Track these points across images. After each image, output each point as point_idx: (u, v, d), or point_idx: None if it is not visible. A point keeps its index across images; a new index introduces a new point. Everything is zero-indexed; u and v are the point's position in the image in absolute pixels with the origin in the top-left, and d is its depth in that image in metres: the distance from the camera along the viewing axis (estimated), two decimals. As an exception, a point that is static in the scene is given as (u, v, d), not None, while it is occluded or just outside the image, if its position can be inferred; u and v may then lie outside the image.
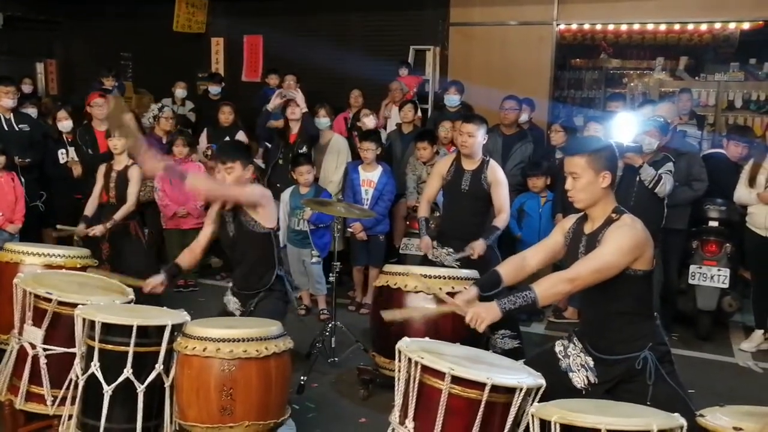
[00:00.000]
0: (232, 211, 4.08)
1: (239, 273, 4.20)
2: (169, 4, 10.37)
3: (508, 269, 3.33)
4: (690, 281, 5.93)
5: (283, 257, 6.43)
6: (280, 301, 4.16)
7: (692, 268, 5.92)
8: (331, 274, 5.18)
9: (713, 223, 6.01)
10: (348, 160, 6.92)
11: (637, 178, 5.31)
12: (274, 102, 6.93)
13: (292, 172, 6.30)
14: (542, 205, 6.36)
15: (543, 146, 7.08)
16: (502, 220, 4.88)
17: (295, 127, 6.79)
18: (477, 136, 4.92)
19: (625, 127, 5.51)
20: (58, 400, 3.66)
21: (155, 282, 3.97)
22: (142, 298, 4.00)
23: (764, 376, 5.30)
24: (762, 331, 5.78)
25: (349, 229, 6.33)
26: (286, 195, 6.42)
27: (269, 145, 8.13)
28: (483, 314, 2.99)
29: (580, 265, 3.03)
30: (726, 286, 5.84)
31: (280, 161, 6.88)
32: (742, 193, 5.76)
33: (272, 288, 4.13)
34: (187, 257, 4.21)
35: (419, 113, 7.75)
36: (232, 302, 4.21)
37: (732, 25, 9.27)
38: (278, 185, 6.59)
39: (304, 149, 6.67)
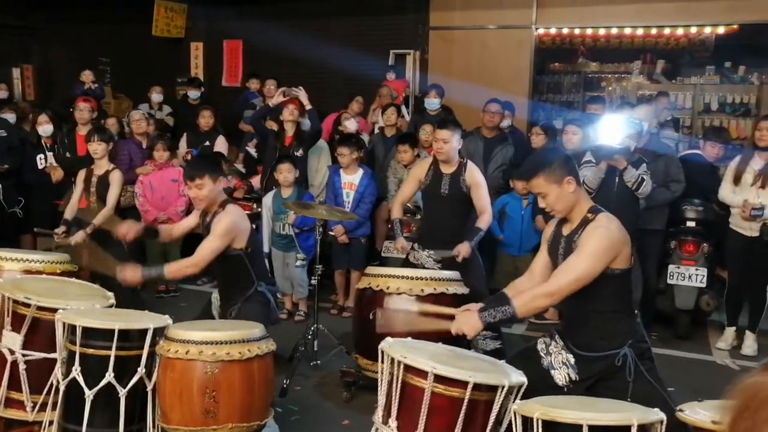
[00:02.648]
0: (205, 229, 4.13)
1: (219, 285, 4.32)
2: (147, 9, 10.33)
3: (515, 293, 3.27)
4: (668, 281, 5.99)
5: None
6: (260, 305, 4.17)
7: (670, 267, 5.98)
8: (313, 277, 5.18)
9: (691, 224, 6.05)
10: (328, 163, 6.91)
11: (616, 180, 5.33)
12: (278, 99, 6.91)
13: (274, 172, 6.28)
14: (524, 208, 6.38)
15: (524, 149, 7.12)
16: (485, 220, 4.91)
17: (290, 130, 6.70)
18: (452, 142, 4.93)
19: (612, 129, 5.51)
20: (38, 406, 3.61)
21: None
22: (124, 302, 3.98)
23: (742, 374, 5.32)
24: (734, 328, 5.85)
25: (331, 233, 6.31)
26: (268, 199, 6.40)
27: (249, 151, 8.12)
28: (465, 328, 3.13)
29: (559, 277, 3.07)
30: (704, 285, 5.91)
31: None
32: (726, 192, 5.76)
33: (251, 298, 4.16)
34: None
35: (405, 116, 7.74)
36: (215, 301, 4.30)
37: (708, 29, 9.42)
38: (274, 189, 6.55)
39: (300, 152, 6.64)
